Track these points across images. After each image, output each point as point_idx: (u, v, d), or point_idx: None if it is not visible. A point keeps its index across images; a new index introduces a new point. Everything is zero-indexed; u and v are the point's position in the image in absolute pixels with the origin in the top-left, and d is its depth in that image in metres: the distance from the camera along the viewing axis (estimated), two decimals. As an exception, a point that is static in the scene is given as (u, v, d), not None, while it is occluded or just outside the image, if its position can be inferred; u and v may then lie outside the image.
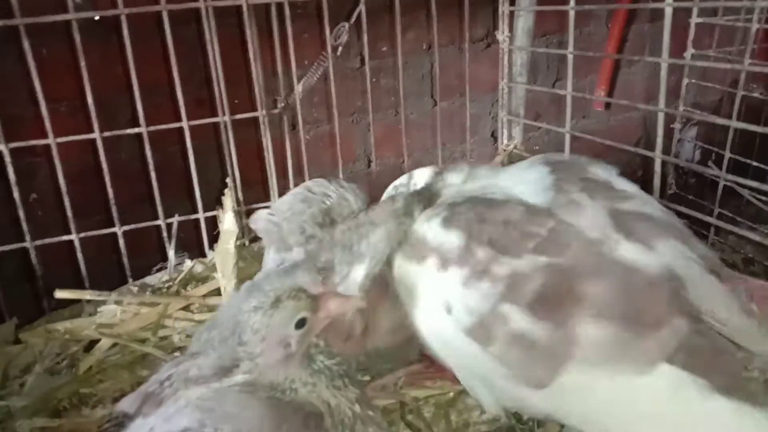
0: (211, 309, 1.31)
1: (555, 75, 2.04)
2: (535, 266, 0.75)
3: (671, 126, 1.96)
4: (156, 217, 1.44)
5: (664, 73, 1.51)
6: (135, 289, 1.40)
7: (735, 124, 1.42)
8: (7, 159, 1.27)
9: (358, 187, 1.07)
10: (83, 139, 1.33)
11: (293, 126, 1.60)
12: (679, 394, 0.70)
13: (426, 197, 0.91)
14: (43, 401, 1.08)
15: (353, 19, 1.58)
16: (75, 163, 1.36)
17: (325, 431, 0.67)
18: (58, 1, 1.25)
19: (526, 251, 0.76)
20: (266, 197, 1.55)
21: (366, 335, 0.96)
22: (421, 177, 0.98)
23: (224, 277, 1.25)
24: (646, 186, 0.89)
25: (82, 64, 1.28)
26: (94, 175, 1.37)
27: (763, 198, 1.81)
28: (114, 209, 1.39)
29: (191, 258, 1.47)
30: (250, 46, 1.44)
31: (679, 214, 1.25)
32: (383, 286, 0.90)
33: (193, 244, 1.50)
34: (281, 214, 1.04)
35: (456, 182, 0.94)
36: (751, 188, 1.71)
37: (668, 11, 1.46)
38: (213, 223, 1.43)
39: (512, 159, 1.88)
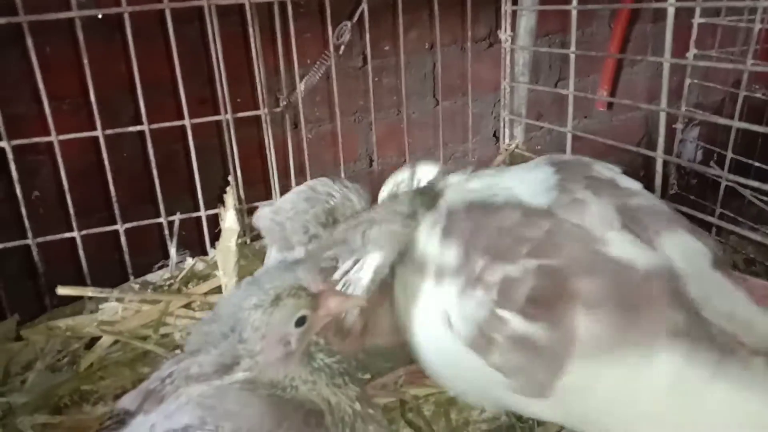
0: (212, 307, 1.29)
1: (557, 75, 2.03)
2: (526, 269, 0.75)
3: (673, 126, 1.96)
4: (158, 215, 1.44)
5: (666, 73, 1.51)
6: (136, 286, 1.40)
7: (737, 124, 1.42)
8: (10, 156, 1.27)
9: (362, 187, 1.07)
10: (86, 136, 1.33)
11: (295, 125, 1.60)
12: (679, 388, 0.70)
13: (429, 197, 0.91)
14: (44, 398, 1.08)
15: (356, 19, 1.58)
16: (77, 160, 1.36)
17: (325, 429, 0.67)
18: (62, -1, 1.25)
19: (520, 256, 0.76)
20: (268, 195, 1.55)
21: (365, 333, 0.96)
22: (424, 174, 0.98)
23: (225, 275, 1.25)
24: (647, 186, 0.89)
25: (85, 61, 1.28)
26: (97, 173, 1.38)
27: (765, 198, 1.81)
28: (116, 207, 1.39)
29: (193, 256, 1.47)
30: (252, 44, 1.44)
31: (681, 214, 1.25)
32: (384, 285, 0.90)
33: (194, 242, 1.50)
34: (284, 212, 1.04)
35: (459, 182, 0.94)
36: (752, 188, 1.71)
37: (671, 11, 1.46)
38: (215, 221, 1.43)
39: (514, 159, 1.88)
